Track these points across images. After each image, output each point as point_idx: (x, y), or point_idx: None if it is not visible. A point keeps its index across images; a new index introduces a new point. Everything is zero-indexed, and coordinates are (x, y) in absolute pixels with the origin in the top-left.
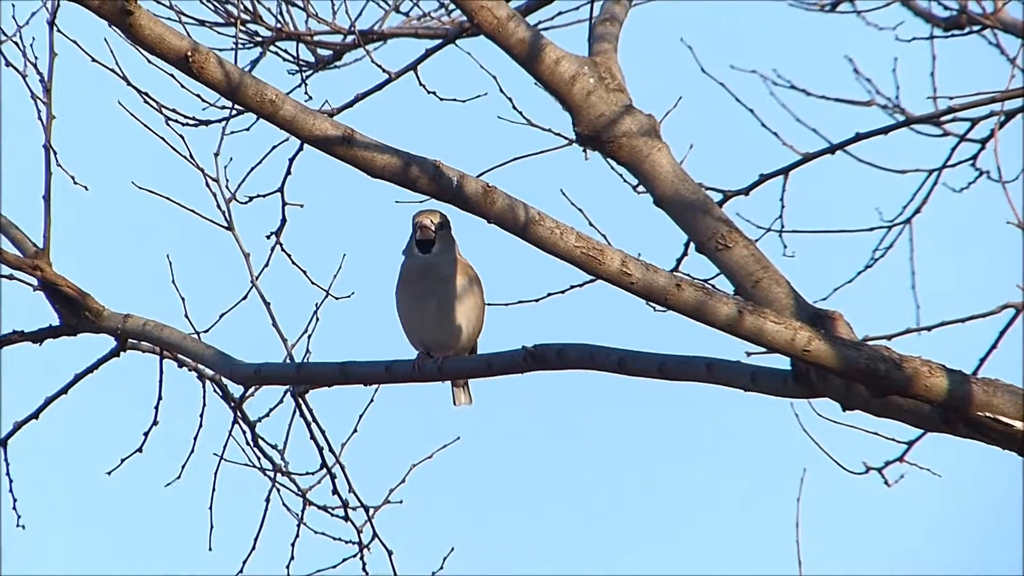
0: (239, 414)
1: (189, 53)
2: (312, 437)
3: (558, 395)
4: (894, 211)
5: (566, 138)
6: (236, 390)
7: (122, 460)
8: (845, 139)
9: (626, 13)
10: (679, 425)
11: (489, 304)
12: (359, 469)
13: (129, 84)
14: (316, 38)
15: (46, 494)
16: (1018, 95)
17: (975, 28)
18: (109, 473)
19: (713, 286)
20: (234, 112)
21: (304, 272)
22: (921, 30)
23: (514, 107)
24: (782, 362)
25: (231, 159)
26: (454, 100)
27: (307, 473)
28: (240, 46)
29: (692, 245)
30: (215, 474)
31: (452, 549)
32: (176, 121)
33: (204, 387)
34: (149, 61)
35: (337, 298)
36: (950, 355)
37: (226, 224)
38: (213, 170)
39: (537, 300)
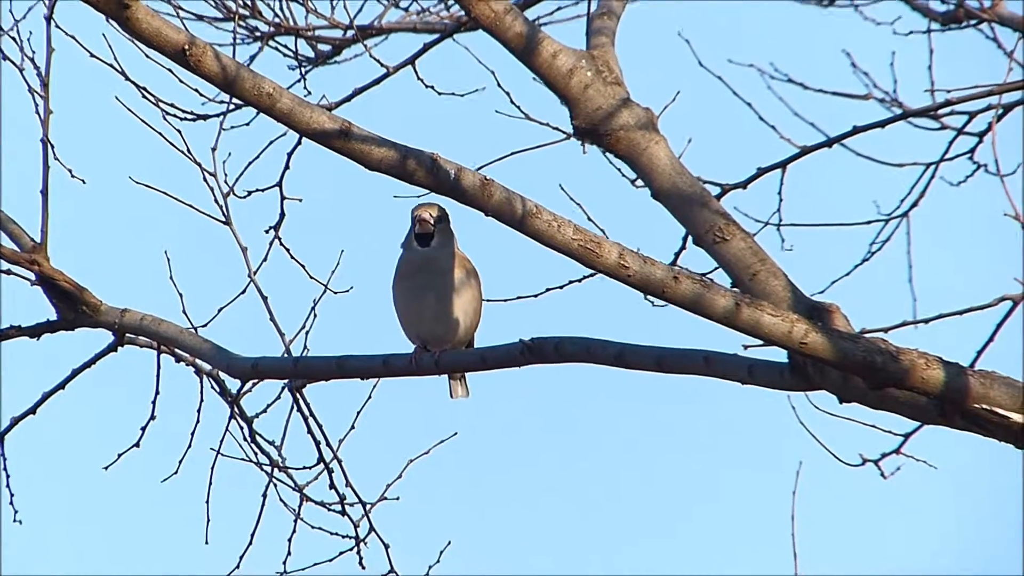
0: (236, 409)
1: (186, 46)
2: (309, 432)
3: (555, 389)
4: (892, 204)
5: (564, 132)
6: (233, 385)
7: (119, 455)
8: (842, 132)
9: (623, 7)
10: (676, 418)
11: (487, 300)
12: (356, 464)
13: (127, 79)
14: (315, 33)
15: (44, 489)
16: (1015, 88)
17: (972, 22)
18: (106, 468)
19: (711, 279)
20: (232, 107)
21: (303, 266)
22: (918, 24)
23: (512, 101)
24: (779, 355)
25: (229, 154)
26: (452, 94)
27: (304, 468)
28: (239, 41)
29: (690, 239)
30: (212, 469)
31: (449, 543)
32: (174, 116)
33: (201, 382)
34: (147, 56)
35: (336, 292)
36: (947, 348)
37: (224, 219)
38: (211, 165)
39: (535, 296)
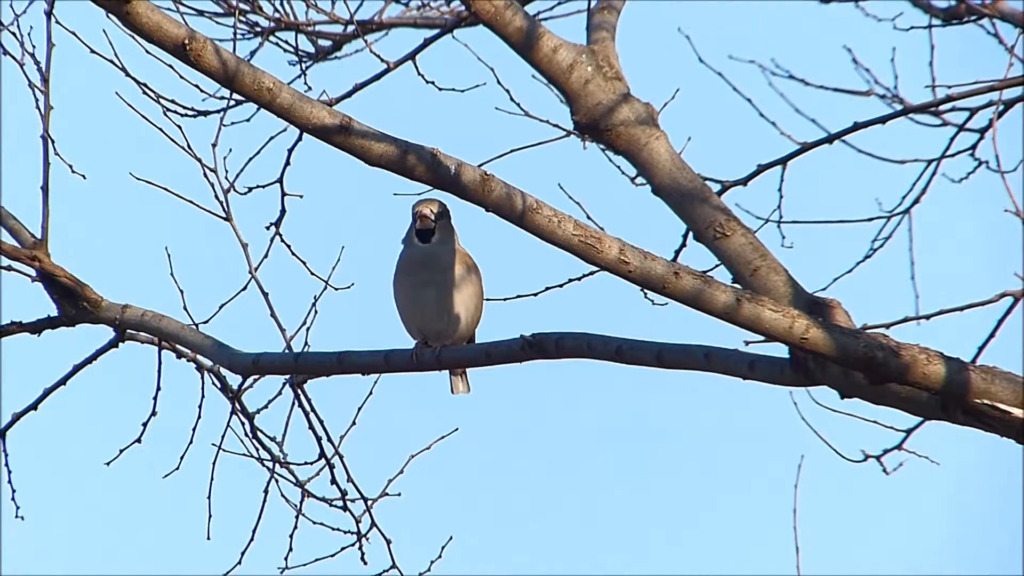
0: (237, 405)
1: (186, 41)
2: (311, 428)
3: (556, 384)
4: (893, 201)
5: (564, 129)
6: (234, 381)
7: (121, 451)
8: (843, 128)
9: (624, 2)
10: (677, 414)
11: (488, 300)
12: (358, 460)
13: (127, 75)
14: (315, 28)
15: (45, 485)
16: (1016, 84)
17: (973, 18)
18: (108, 464)
19: (711, 275)
20: (232, 102)
21: (303, 263)
22: (919, 20)
23: (512, 98)
24: (780, 351)
25: (230, 150)
26: (453, 90)
27: (306, 464)
28: (239, 36)
29: (691, 235)
30: (213, 465)
31: (451, 538)
32: (174, 112)
33: (203, 378)
34: (147, 51)
35: (336, 289)
36: (949, 344)
37: (225, 215)
38: (211, 161)
39: (535, 294)
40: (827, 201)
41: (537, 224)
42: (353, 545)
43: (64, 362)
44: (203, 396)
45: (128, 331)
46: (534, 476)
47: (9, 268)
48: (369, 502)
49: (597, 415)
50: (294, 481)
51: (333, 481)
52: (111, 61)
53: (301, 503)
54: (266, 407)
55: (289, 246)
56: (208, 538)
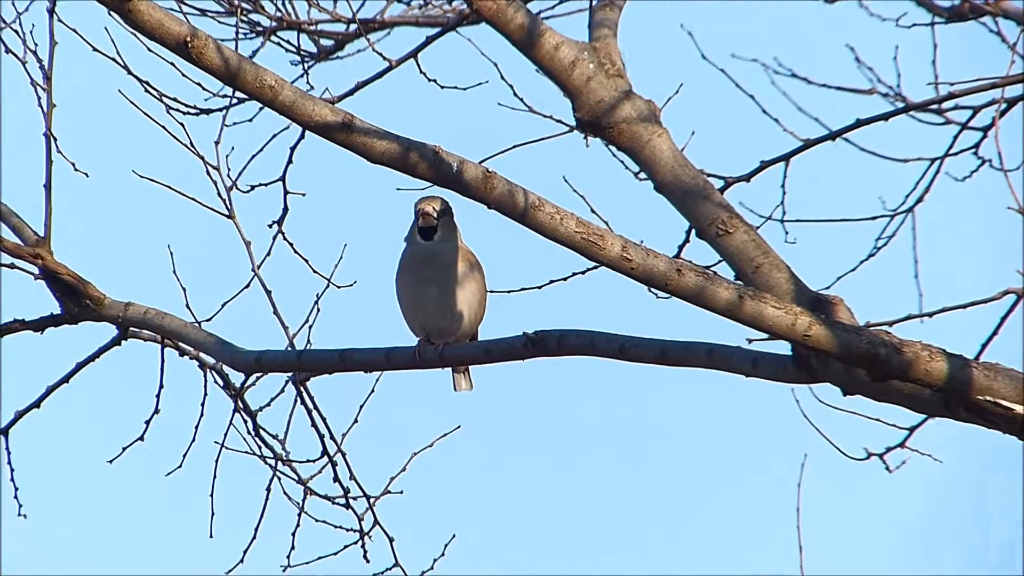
0: (240, 403)
1: (188, 38)
2: (313, 425)
3: (559, 382)
4: (896, 199)
5: (567, 125)
6: (237, 379)
7: (123, 448)
8: (845, 126)
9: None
10: (680, 411)
11: (491, 292)
12: (360, 458)
13: (130, 73)
14: (317, 28)
15: (48, 483)
16: (1019, 81)
17: (976, 16)
18: (111, 462)
19: (714, 272)
20: (235, 100)
21: (306, 260)
22: (922, 18)
23: (515, 94)
24: (783, 348)
25: (232, 148)
26: (455, 88)
27: (308, 461)
28: (241, 36)
29: (693, 232)
30: (216, 463)
31: (454, 536)
32: (177, 110)
33: (205, 376)
34: (150, 50)
35: (339, 286)
36: (952, 341)
37: (227, 213)
38: (214, 159)
39: (539, 287)
40: (830, 199)
41: (539, 221)
42: (356, 543)
43: (67, 360)
44: (206, 394)
45: (131, 329)
46: (537, 474)
47: (12, 266)
48: (372, 500)
49: (599, 412)
50: (296, 479)
51: (336, 479)
52: (113, 59)
53: (303, 501)
54: (269, 405)
55: (292, 244)
56: (211, 536)
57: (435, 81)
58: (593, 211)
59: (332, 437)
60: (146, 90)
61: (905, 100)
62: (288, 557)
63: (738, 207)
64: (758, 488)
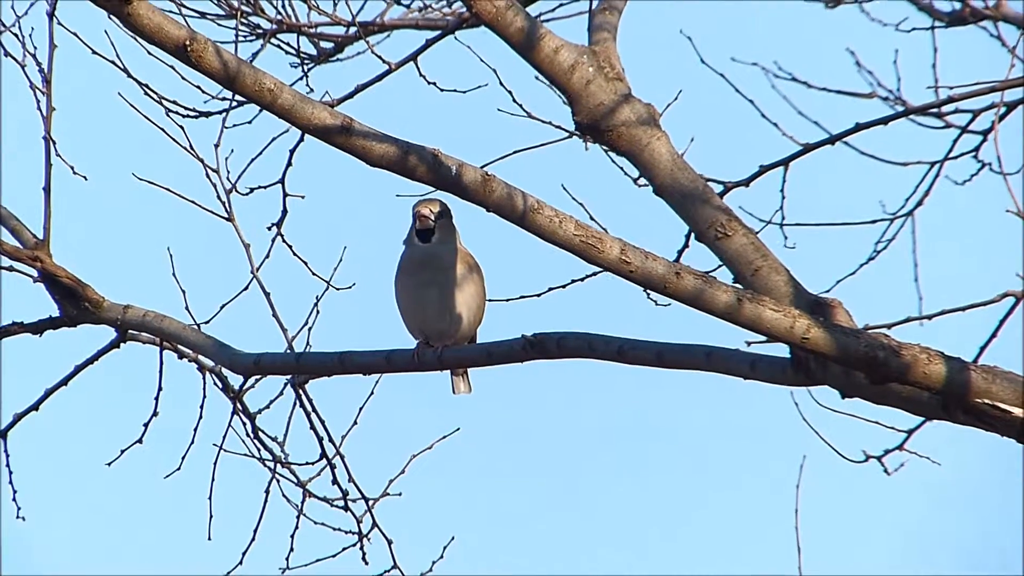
0: (239, 405)
1: (187, 42)
2: (312, 428)
3: (558, 384)
4: (895, 203)
5: (566, 130)
6: (236, 381)
7: (122, 451)
8: (845, 130)
9: (625, 3)
10: (678, 413)
11: (491, 300)
12: (359, 460)
13: (129, 76)
14: (317, 30)
15: (46, 486)
16: (1018, 85)
17: (976, 20)
18: (109, 464)
19: (713, 275)
20: (234, 103)
21: (305, 263)
22: (922, 22)
23: (514, 99)
24: (782, 350)
25: (232, 151)
26: (454, 91)
27: (307, 464)
28: (241, 38)
29: (692, 235)
30: (215, 465)
31: (452, 538)
32: (176, 113)
33: (204, 379)
34: (149, 52)
35: (338, 289)
36: (952, 345)
37: (226, 215)
38: (213, 161)
39: (538, 295)
40: (830, 203)
41: (538, 224)
42: (354, 545)
43: (65, 362)
44: (204, 396)
45: (130, 331)
46: (536, 476)
47: (11, 268)
48: (370, 502)
49: (598, 415)
50: (295, 481)
51: (334, 481)
52: (113, 62)
53: (302, 503)
54: (267, 407)
55: (291, 246)
56: (209, 538)
57: (435, 84)
58: (592, 218)
59: (331, 439)
60: (145, 93)
61: (905, 104)
62: (287, 559)
63: (737, 211)
64: (757, 490)
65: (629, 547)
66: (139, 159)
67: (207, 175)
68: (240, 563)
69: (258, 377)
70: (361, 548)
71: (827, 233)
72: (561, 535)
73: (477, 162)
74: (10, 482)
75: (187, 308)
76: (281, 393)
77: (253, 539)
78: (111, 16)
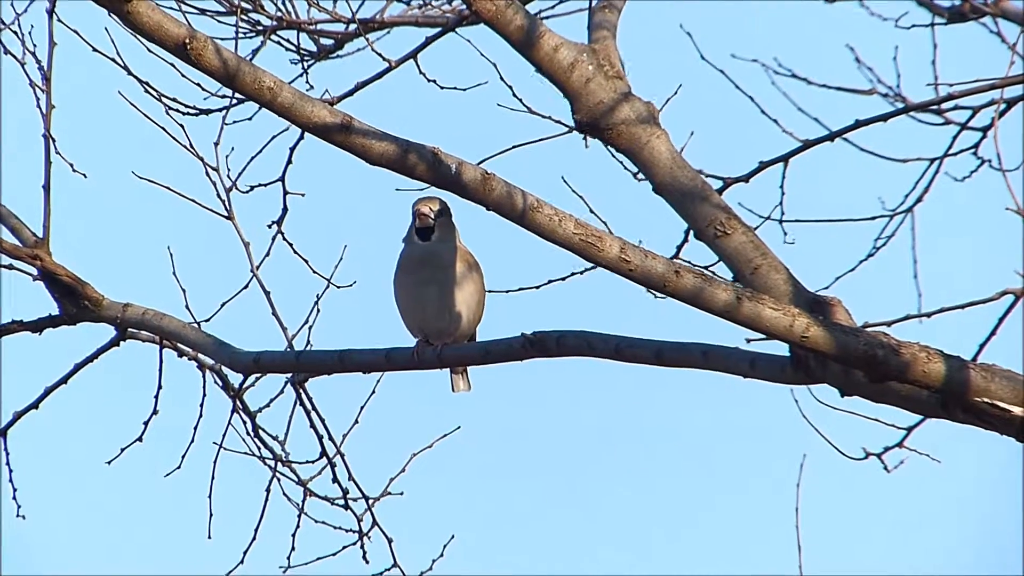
0: (239, 404)
1: (187, 40)
2: (312, 426)
3: (557, 382)
4: (895, 199)
5: (566, 126)
6: (236, 380)
7: (122, 449)
8: (845, 126)
9: (625, 1)
10: (678, 411)
11: (490, 292)
12: (359, 459)
13: (129, 73)
14: (317, 27)
15: (46, 484)
16: (1018, 82)
17: (976, 17)
18: (109, 463)
19: (712, 273)
20: (234, 101)
21: (305, 261)
22: (922, 19)
23: (514, 95)
24: (781, 349)
25: (232, 148)
26: (454, 88)
27: (307, 462)
28: (241, 35)
29: (692, 233)
30: (215, 464)
31: (452, 536)
32: (176, 110)
33: (204, 377)
34: (149, 50)
35: (338, 287)
36: (951, 342)
37: (226, 213)
38: (213, 159)
39: (537, 287)
40: (829, 199)
41: (538, 223)
42: (355, 544)
43: (65, 361)
44: (204, 395)
45: (129, 330)
46: (535, 474)
47: (10, 267)
48: (371, 501)
49: (598, 413)
50: (296, 480)
51: (335, 480)
52: (113, 60)
53: (303, 502)
54: (268, 406)
55: (291, 244)
56: (209, 537)
57: (435, 82)
58: (592, 211)
59: (331, 438)
60: (145, 90)
61: (905, 100)
62: (288, 558)
63: (737, 208)
64: (757, 488)
65: (629, 546)
66: (139, 157)
67: (207, 173)
68: (241, 562)
69: (258, 375)
70: (362, 547)
71: (826, 229)
72: (561, 534)
73: (477, 160)
74: (10, 480)
75: (187, 306)
76: (281, 391)
77: (254, 538)
78: (111, 14)
